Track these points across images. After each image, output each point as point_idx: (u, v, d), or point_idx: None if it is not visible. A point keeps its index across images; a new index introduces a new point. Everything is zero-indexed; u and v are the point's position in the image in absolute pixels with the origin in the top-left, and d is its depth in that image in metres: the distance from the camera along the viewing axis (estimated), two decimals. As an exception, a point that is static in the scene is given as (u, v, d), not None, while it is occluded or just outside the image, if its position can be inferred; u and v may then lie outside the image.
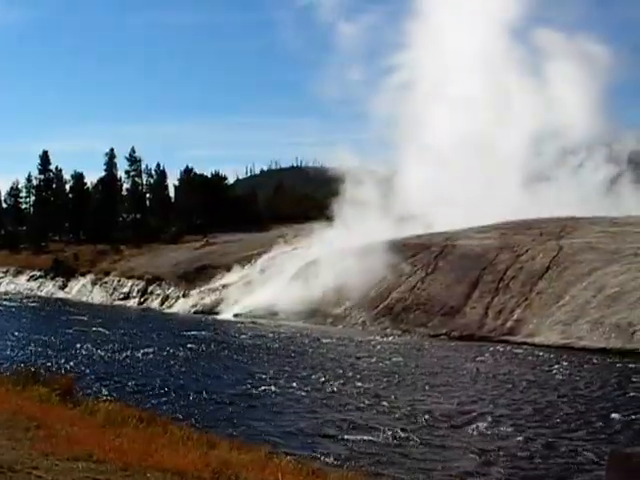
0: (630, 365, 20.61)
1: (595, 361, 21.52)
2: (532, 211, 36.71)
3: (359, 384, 18.43)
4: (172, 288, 42.59)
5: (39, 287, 51.73)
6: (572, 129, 47.15)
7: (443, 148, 45.30)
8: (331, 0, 54.49)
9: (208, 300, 39.13)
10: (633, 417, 14.67)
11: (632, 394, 17.18)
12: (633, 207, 38.37)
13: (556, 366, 20.87)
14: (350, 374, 19.85)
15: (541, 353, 22.99)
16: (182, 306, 40.04)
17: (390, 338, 26.96)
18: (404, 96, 47.77)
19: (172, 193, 71.05)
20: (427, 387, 18.20)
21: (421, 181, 42.36)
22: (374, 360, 22.24)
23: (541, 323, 25.66)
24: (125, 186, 69.07)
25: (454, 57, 48.55)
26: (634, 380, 18.77)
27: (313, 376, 19.54)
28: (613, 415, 14.79)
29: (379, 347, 25.04)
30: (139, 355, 22.86)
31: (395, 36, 49.95)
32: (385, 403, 16.09)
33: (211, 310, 37.65)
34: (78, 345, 24.32)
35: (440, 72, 48.59)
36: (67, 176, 69.23)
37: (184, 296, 41.01)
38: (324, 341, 26.32)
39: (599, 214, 35.25)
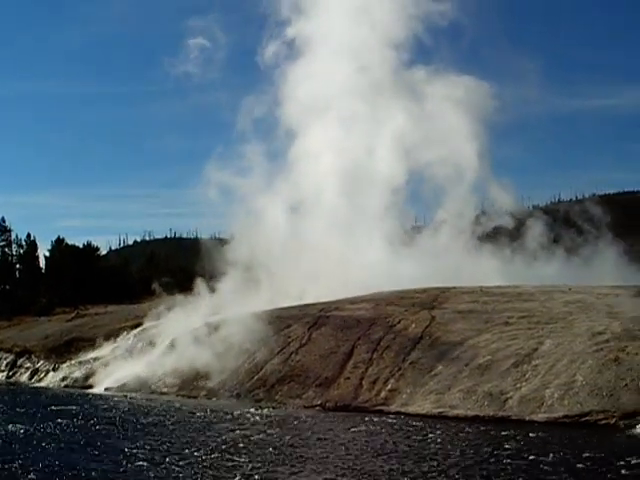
0: (502, 432, 20.82)
1: (468, 429, 21.66)
2: (403, 279, 37.32)
3: (234, 458, 18.09)
4: (42, 361, 41.37)
5: None
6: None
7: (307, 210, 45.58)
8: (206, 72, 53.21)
9: (79, 373, 38.06)
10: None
11: (505, 461, 17.35)
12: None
13: (430, 435, 20.93)
14: (224, 447, 19.47)
15: (415, 422, 23.02)
16: (52, 380, 38.85)
17: (265, 410, 26.59)
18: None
19: (43, 264, 69.51)
20: (302, 459, 17.98)
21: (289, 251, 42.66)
22: (249, 433, 21.87)
23: (414, 393, 25.75)
24: (-6, 257, 67.38)
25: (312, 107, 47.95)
26: (507, 447, 18.97)
27: (186, 450, 19.10)
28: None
29: (253, 419, 24.66)
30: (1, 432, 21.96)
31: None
32: (257, 477, 15.83)
33: (82, 384, 36.63)
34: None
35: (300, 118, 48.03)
36: None
37: (54, 369, 39.82)
38: (198, 414, 25.79)
39: (469, 283, 36.01)
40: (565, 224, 53.07)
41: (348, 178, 46.63)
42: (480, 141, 47.42)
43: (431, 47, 51.03)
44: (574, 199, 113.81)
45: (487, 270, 42.24)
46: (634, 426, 21.30)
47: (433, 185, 48.59)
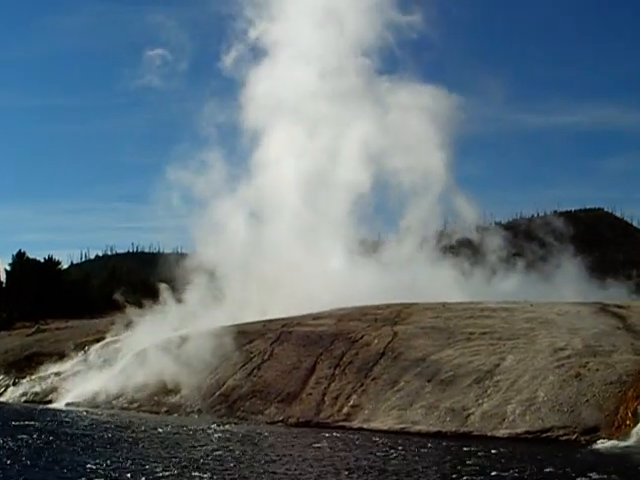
0: (464, 448, 20.87)
1: (430, 445, 21.69)
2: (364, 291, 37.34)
3: (195, 474, 17.95)
4: (1, 376, 40.80)
5: None
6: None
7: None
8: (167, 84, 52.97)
9: (39, 388, 37.57)
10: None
11: (467, 477, 17.37)
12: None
13: (392, 451, 20.92)
14: (185, 464, 19.31)
15: (378, 438, 23.02)
16: (12, 395, 38.27)
17: (227, 426, 26.44)
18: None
19: (3, 278, 68.68)
20: (264, 476, 17.88)
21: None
22: (210, 449, 21.74)
23: (377, 408, 25.75)
24: (-47, 272, 66.57)
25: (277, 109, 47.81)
26: (469, 463, 19.01)
27: (147, 467, 18.92)
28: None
29: (215, 436, 24.52)
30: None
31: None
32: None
33: (43, 399, 36.15)
34: None
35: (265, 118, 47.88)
36: None
37: (14, 384, 39.25)
38: (159, 430, 25.59)
39: (430, 296, 36.15)
40: (527, 240, 53.45)
41: (310, 185, 46.61)
42: (446, 152, 47.56)
43: (398, 57, 50.90)
44: (536, 215, 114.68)
45: (448, 284, 42.36)
46: (595, 441, 21.48)
47: (398, 194, 48.59)
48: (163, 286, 41.43)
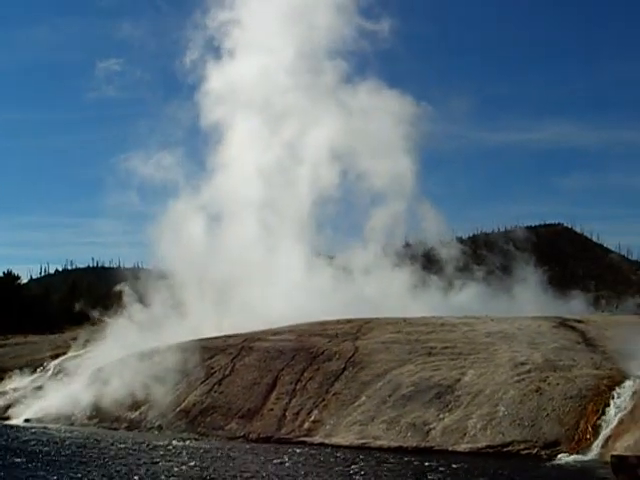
0: (426, 463, 20.90)
1: (392, 460, 21.69)
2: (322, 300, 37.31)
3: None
4: (-42, 392, 40.26)
5: None
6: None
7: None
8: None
9: (-2, 404, 37.13)
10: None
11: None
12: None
13: (354, 466, 20.89)
14: (146, 480, 19.16)
15: (339, 454, 22.97)
16: (-31, 411, 37.79)
17: (187, 442, 26.26)
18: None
19: (-40, 292, 67.85)
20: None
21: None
22: (170, 465, 21.57)
23: (338, 424, 25.70)
24: None
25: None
26: (430, 478, 19.05)
27: (106, 483, 18.74)
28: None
29: (175, 451, 24.32)
30: None
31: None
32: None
33: (1, 415, 35.66)
34: None
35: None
36: None
37: (-28, 401, 38.76)
38: (120, 446, 25.37)
39: (389, 308, 36.22)
40: (487, 253, 53.77)
41: (271, 186, 46.61)
42: (412, 158, 47.61)
43: (362, 61, 50.98)
44: (496, 231, 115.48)
45: (408, 297, 42.51)
46: (556, 456, 21.58)
47: (361, 200, 48.64)
48: (123, 301, 41.20)
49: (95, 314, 49.72)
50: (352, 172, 47.99)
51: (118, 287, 43.65)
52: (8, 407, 36.27)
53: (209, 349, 33.61)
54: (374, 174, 47.34)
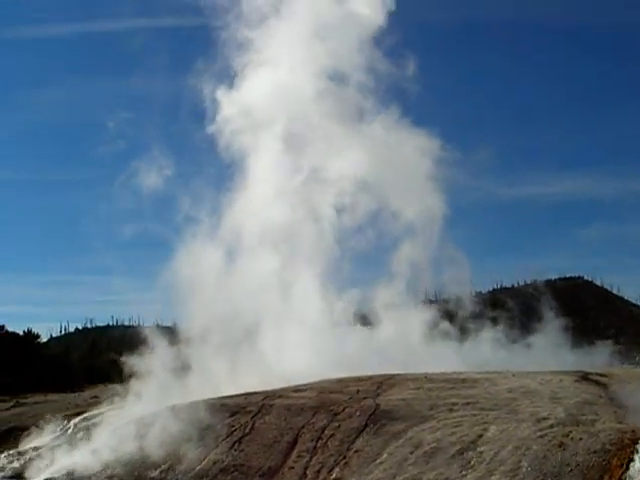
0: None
1: (414, 519, 21.46)
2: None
3: None
4: (-21, 452, 40.24)
5: None
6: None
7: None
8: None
9: (17, 464, 36.98)
10: None
11: None
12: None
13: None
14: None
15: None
16: (-10, 470, 37.75)
17: (208, 502, 26.12)
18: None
19: (-18, 351, 68.12)
20: None
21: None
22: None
23: (360, 481, 25.50)
24: None
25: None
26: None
27: None
28: None
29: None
30: None
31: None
32: None
33: (21, 474, 35.56)
34: None
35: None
36: None
37: (-8, 459, 38.73)
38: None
39: (413, 364, 36.00)
40: (508, 308, 53.51)
41: (284, 232, 45.77)
42: (438, 199, 47.36)
43: (389, 98, 49.72)
44: (516, 285, 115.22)
45: (427, 348, 42.28)
46: (580, 512, 21.31)
47: (382, 240, 48.32)
48: (142, 359, 41.16)
49: (114, 372, 49.69)
50: (376, 209, 47.44)
51: (137, 345, 43.68)
52: (28, 466, 36.23)
53: (229, 407, 33.51)
54: (398, 212, 47.06)
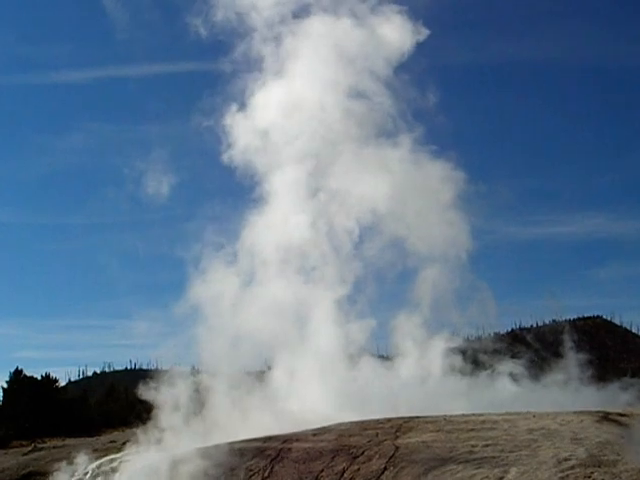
0: None
1: None
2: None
3: None
4: (-3, 498, 40.27)
5: None
6: None
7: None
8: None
9: (36, 509, 37.01)
10: None
11: None
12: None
13: None
14: None
15: None
16: (7, 515, 37.73)
17: None
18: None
19: (0, 395, 68.30)
20: None
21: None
22: None
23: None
24: (-50, 390, 66.11)
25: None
26: None
27: None
28: None
29: None
30: None
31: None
32: None
33: (38, 520, 35.56)
34: None
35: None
36: None
37: (10, 505, 38.71)
38: None
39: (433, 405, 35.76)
40: (527, 348, 53.18)
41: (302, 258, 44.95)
42: (463, 228, 46.42)
43: (411, 125, 48.09)
44: (535, 325, 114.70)
45: (450, 390, 41.96)
46: None
47: (402, 273, 47.22)
48: (160, 404, 41.06)
49: (133, 416, 49.62)
50: (397, 236, 46.14)
51: (154, 390, 43.60)
52: (45, 512, 36.21)
53: (247, 451, 33.34)
54: (421, 241, 45.74)
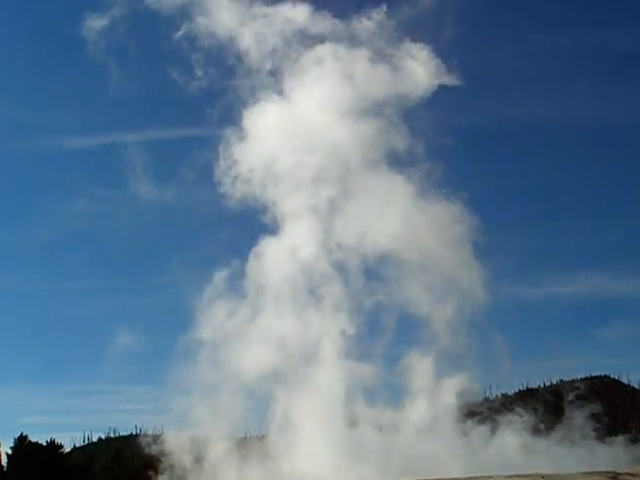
0: None
1: None
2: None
3: None
4: None
5: None
6: None
7: None
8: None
9: None
10: None
11: None
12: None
13: None
14: None
15: None
16: None
17: None
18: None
19: (4, 462, 67.52)
20: None
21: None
22: None
23: None
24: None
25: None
26: None
27: None
28: None
29: None
30: None
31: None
32: None
33: None
34: None
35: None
36: None
37: None
38: None
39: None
40: (534, 409, 52.81)
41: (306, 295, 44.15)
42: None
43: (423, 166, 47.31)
44: (542, 386, 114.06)
45: (458, 449, 41.44)
46: None
47: (408, 317, 46.40)
48: (163, 469, 40.81)
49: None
50: (406, 278, 45.25)
51: (161, 454, 43.38)
52: None
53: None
54: (429, 287, 45.12)
